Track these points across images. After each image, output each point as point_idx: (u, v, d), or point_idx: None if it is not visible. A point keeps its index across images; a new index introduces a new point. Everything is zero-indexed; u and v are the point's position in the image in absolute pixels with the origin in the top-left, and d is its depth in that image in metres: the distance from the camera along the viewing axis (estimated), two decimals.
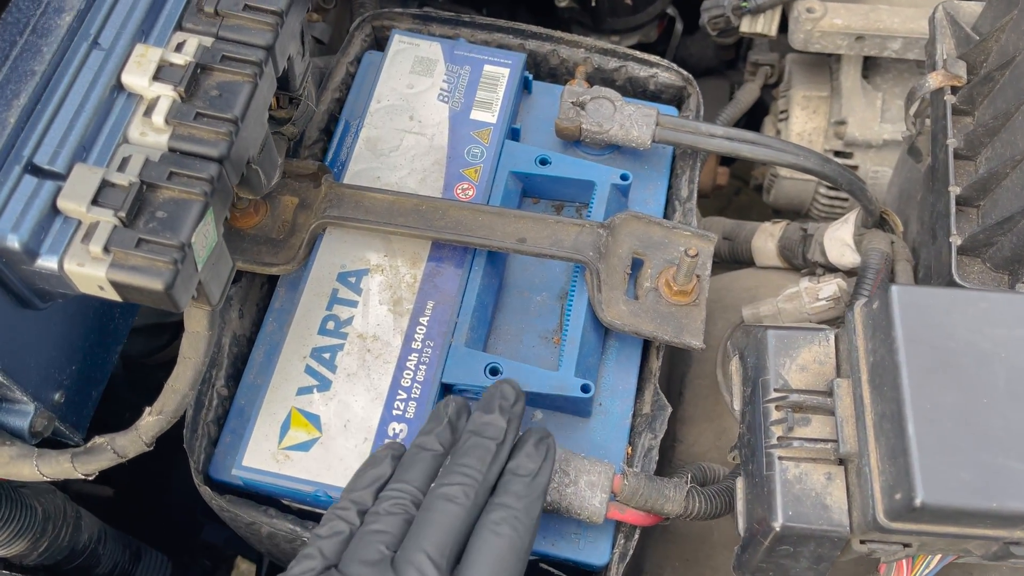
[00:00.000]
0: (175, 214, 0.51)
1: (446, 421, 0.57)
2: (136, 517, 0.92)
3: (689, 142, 0.79)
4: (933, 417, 0.48)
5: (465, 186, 0.77)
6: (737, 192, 1.54)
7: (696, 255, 0.69)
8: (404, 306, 0.71)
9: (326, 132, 0.84)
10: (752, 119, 1.30)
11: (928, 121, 0.78)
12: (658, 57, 0.86)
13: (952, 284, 0.67)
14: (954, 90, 0.74)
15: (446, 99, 0.81)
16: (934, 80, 0.75)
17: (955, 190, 0.69)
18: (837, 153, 1.17)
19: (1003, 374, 0.49)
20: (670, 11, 1.29)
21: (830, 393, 0.55)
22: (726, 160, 1.28)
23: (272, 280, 0.77)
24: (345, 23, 1.16)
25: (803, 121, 1.17)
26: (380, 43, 0.90)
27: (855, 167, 1.17)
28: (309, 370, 0.68)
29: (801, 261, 0.94)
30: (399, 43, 0.84)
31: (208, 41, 0.57)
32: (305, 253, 0.73)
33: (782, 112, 1.22)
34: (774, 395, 0.56)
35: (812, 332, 0.58)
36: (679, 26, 1.29)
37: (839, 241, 0.88)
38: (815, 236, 0.91)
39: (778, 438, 0.54)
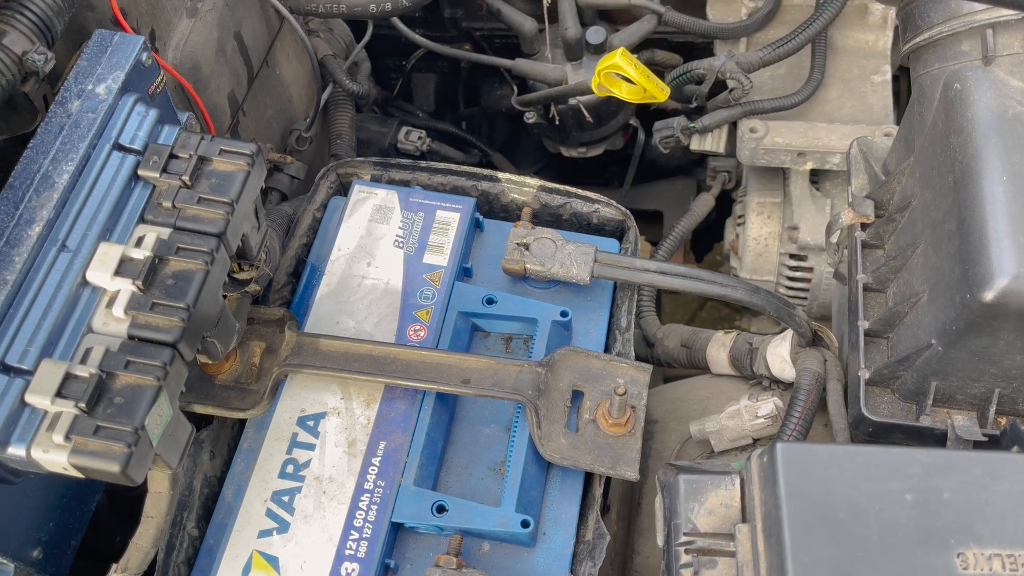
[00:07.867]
0: (131, 399, 0.57)
1: None
2: None
3: (625, 277, 0.85)
4: (812, 571, 0.52)
5: (417, 327, 0.83)
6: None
7: (624, 393, 0.75)
8: (358, 447, 0.76)
9: (295, 275, 0.91)
10: (718, 220, 1.36)
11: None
12: (598, 194, 0.92)
13: (860, 417, 0.72)
14: (864, 226, 0.80)
15: (401, 245, 0.87)
16: (846, 217, 0.81)
17: (864, 324, 0.75)
18: (792, 256, 1.22)
19: (876, 528, 0.53)
20: (633, 122, 1.36)
21: (734, 537, 0.60)
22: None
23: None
24: (322, 155, 1.24)
25: (759, 226, 1.23)
26: (345, 187, 0.97)
27: (810, 268, 1.22)
28: (270, 513, 0.74)
29: (750, 372, 0.99)
30: (359, 192, 0.91)
31: (166, 233, 0.64)
32: (270, 398, 0.79)
33: (740, 217, 1.28)
34: (683, 539, 0.61)
35: (719, 476, 0.63)
36: (641, 136, 1.37)
37: (779, 357, 0.93)
38: (760, 350, 0.96)
39: None
